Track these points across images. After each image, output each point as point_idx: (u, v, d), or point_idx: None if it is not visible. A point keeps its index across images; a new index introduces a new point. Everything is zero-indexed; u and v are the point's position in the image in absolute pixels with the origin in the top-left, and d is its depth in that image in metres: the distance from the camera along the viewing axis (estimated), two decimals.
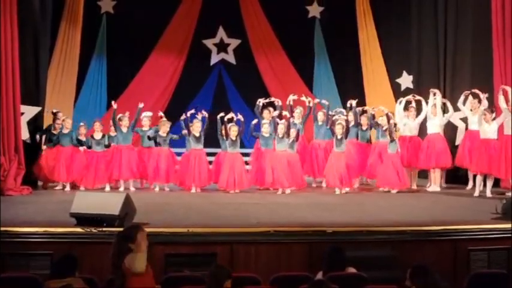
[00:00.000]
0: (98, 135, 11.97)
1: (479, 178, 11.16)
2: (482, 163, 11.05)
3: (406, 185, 11.63)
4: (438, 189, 11.87)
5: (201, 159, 11.78)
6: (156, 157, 11.84)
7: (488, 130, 11.07)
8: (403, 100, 12.56)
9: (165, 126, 12.04)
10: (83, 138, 11.96)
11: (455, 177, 12.63)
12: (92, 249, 7.18)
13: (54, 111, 12.42)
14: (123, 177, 11.92)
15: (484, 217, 8.55)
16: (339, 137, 11.50)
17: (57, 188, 11.82)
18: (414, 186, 12.20)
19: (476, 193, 11.02)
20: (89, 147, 11.92)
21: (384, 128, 11.79)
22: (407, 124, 12.26)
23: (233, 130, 11.81)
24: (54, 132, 11.98)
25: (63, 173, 11.69)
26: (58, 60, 14.77)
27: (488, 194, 10.91)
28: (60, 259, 5.74)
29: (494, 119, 11.12)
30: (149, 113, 12.56)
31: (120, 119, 12.05)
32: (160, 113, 12.60)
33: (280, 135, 11.68)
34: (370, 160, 12.20)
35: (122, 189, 11.74)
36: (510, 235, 7.74)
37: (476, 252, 7.60)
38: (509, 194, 10.60)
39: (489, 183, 11.05)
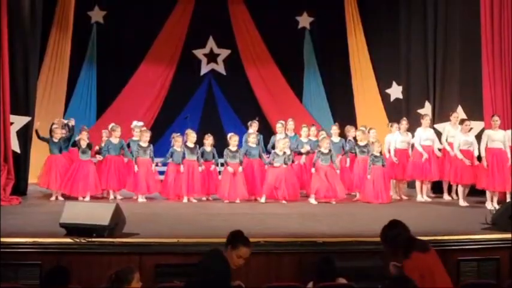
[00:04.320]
0: (83, 144, 11.86)
1: (460, 189, 11.33)
2: (462, 174, 11.20)
3: (387, 200, 11.63)
4: (429, 199, 11.92)
5: (194, 170, 11.74)
6: (138, 167, 11.74)
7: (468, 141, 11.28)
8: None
9: (145, 136, 11.93)
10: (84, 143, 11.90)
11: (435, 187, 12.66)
12: (81, 259, 7.15)
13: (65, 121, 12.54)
14: (112, 188, 11.89)
15: (473, 227, 8.58)
16: (325, 151, 11.59)
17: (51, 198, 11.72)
18: (404, 197, 12.27)
19: (462, 203, 11.17)
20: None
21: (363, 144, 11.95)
22: (400, 138, 12.32)
23: (233, 140, 11.82)
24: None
25: (57, 181, 11.64)
26: (48, 69, 14.80)
27: (462, 203, 11.12)
28: (52, 270, 5.69)
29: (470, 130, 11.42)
30: (140, 123, 12.51)
31: (112, 129, 12.02)
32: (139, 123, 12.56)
33: (280, 152, 11.67)
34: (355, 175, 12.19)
35: (112, 197, 11.73)
36: (500, 245, 7.78)
37: (466, 262, 7.61)
38: (488, 203, 10.75)
39: (462, 193, 11.21)
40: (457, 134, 11.46)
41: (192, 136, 11.83)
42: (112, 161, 11.88)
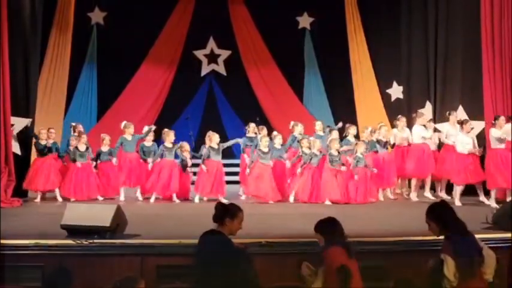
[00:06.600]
0: (82, 147, 11.89)
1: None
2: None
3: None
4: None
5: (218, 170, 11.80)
6: (161, 169, 11.69)
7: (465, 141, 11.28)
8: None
9: (170, 136, 11.90)
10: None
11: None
12: (83, 261, 7.14)
13: (74, 124, 12.64)
14: (128, 185, 11.93)
15: (474, 226, 8.55)
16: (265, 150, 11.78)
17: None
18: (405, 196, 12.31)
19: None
20: (74, 159, 11.85)
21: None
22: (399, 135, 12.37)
23: (216, 137, 11.86)
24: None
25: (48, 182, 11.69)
26: (48, 71, 14.79)
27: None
28: (55, 272, 5.67)
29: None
30: (153, 127, 12.46)
31: (126, 127, 12.03)
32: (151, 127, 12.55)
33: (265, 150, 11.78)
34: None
35: (122, 197, 11.74)
36: (500, 245, 7.77)
37: None
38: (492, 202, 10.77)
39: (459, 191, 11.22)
40: (458, 134, 11.45)
41: (215, 137, 11.84)
42: (128, 158, 11.92)
